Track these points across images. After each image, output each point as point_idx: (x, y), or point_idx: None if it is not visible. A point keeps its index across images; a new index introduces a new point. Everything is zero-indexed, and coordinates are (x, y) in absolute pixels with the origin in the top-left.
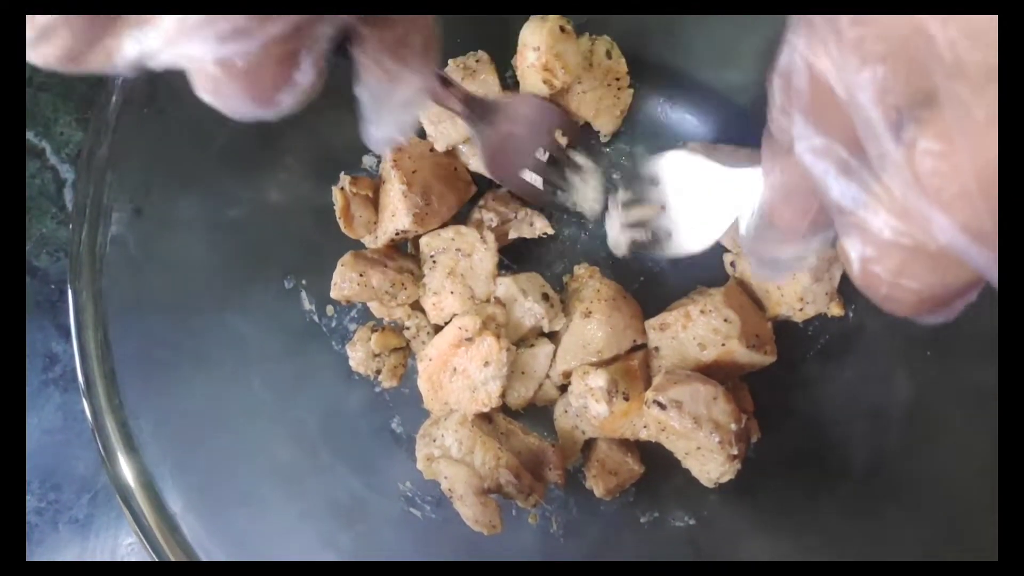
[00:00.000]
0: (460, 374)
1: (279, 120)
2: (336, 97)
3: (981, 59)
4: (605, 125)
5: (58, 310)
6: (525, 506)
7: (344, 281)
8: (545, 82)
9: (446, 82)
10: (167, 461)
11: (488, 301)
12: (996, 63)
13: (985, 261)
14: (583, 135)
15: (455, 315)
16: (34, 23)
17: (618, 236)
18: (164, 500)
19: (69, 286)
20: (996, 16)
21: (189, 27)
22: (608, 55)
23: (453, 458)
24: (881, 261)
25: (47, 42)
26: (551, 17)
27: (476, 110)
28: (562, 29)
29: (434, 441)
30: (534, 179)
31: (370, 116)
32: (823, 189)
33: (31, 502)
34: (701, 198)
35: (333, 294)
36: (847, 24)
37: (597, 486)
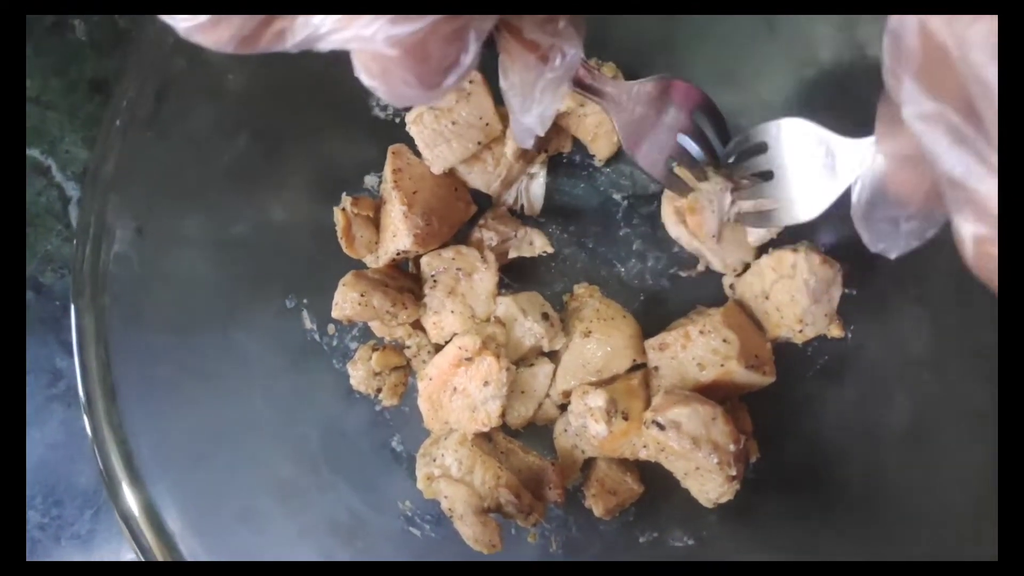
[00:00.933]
0: (460, 393)
1: (282, 138)
2: (338, 117)
3: None
4: (601, 150)
5: (62, 326)
6: (525, 525)
7: (345, 301)
8: None
9: (588, 66)
10: (167, 478)
11: (488, 320)
12: None
13: None
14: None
15: (455, 334)
16: None
17: (723, 205)
18: (163, 518)
19: (72, 303)
20: None
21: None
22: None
23: (453, 477)
24: (996, 241)
25: (219, 24)
26: None
27: (615, 94)
28: None
29: (434, 460)
30: (680, 169)
31: (516, 106)
32: (934, 159)
33: (34, 517)
34: (812, 166)
35: (334, 314)
36: None
37: (596, 506)
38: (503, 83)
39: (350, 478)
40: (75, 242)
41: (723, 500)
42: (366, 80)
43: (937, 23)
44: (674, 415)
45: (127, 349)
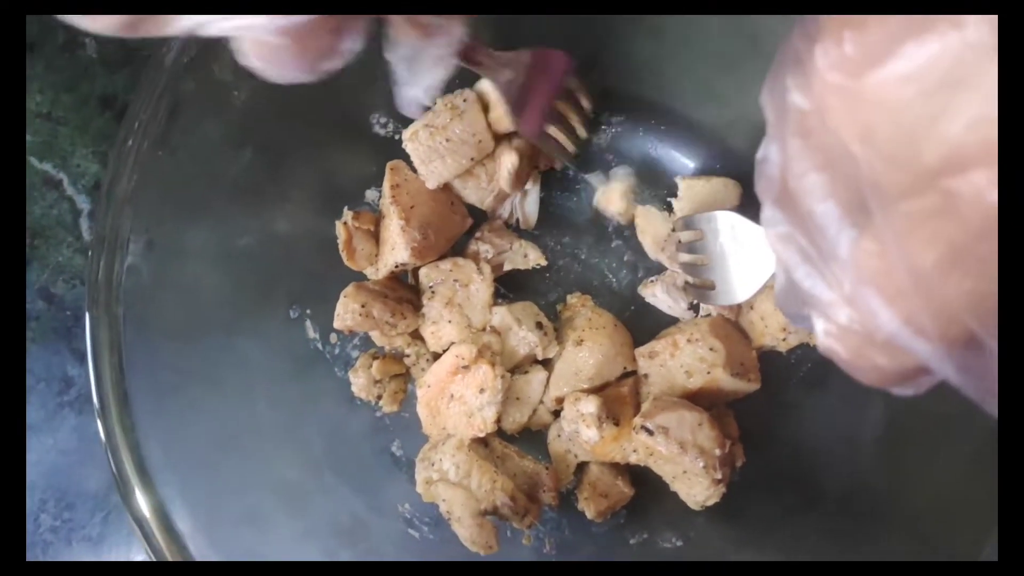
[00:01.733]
0: (457, 400)
1: (286, 154)
2: (340, 134)
3: (897, 180)
4: None
5: (73, 335)
6: (520, 527)
7: (347, 312)
8: None
9: (472, 38)
10: (177, 480)
11: (484, 330)
12: (911, 182)
13: (927, 353)
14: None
15: (452, 343)
16: None
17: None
18: (173, 520)
19: (87, 312)
20: (911, 138)
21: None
22: None
23: (451, 481)
24: (840, 339)
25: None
26: None
27: (496, 65)
28: None
29: (432, 465)
30: (556, 133)
31: (401, 77)
32: (788, 271)
33: (46, 520)
34: (743, 253)
35: (336, 324)
36: (790, 135)
37: (589, 508)
38: (390, 55)
39: (352, 481)
40: (89, 254)
41: (710, 503)
42: (250, 63)
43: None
44: (662, 421)
45: (139, 357)
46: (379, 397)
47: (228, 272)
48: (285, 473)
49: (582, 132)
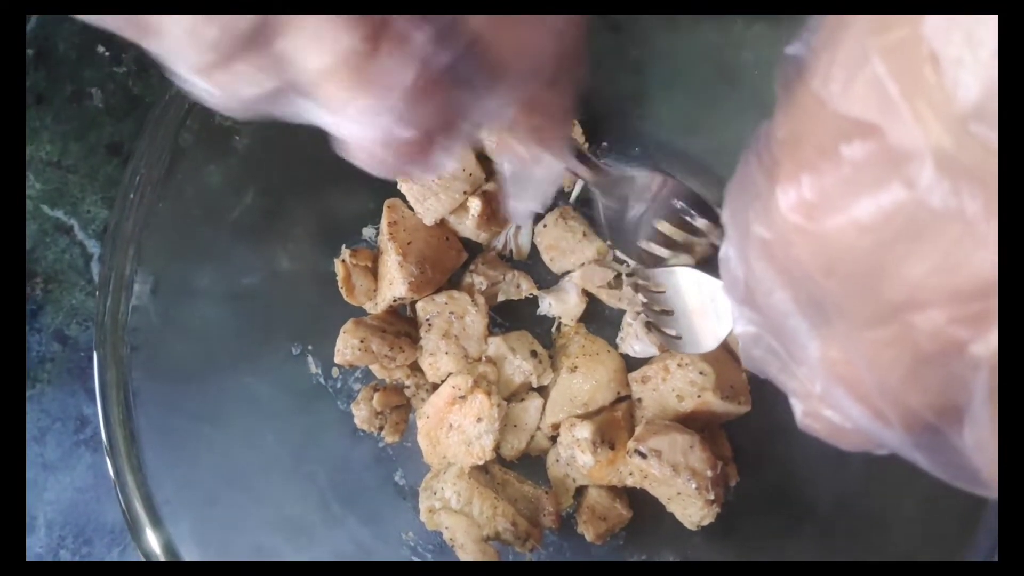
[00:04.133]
0: (456, 430)
1: (287, 195)
2: (337, 174)
3: (859, 310)
4: None
5: (87, 375)
6: (522, 551)
7: (347, 347)
8: None
9: (582, 157)
10: (186, 517)
11: (480, 360)
12: (873, 313)
13: (894, 441)
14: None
15: (450, 374)
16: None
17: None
18: (182, 556)
19: (95, 352)
20: (872, 278)
21: (356, 111)
22: None
23: (453, 509)
24: (817, 422)
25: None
26: None
27: (604, 182)
28: None
29: (435, 494)
30: (651, 247)
31: (511, 191)
32: (761, 368)
33: (65, 556)
34: (704, 308)
35: (337, 360)
36: (754, 257)
37: (588, 531)
38: (497, 166)
39: (357, 512)
40: (97, 295)
41: (705, 522)
42: (348, 156)
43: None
44: (654, 444)
45: (146, 395)
46: (381, 428)
47: (232, 311)
48: (291, 507)
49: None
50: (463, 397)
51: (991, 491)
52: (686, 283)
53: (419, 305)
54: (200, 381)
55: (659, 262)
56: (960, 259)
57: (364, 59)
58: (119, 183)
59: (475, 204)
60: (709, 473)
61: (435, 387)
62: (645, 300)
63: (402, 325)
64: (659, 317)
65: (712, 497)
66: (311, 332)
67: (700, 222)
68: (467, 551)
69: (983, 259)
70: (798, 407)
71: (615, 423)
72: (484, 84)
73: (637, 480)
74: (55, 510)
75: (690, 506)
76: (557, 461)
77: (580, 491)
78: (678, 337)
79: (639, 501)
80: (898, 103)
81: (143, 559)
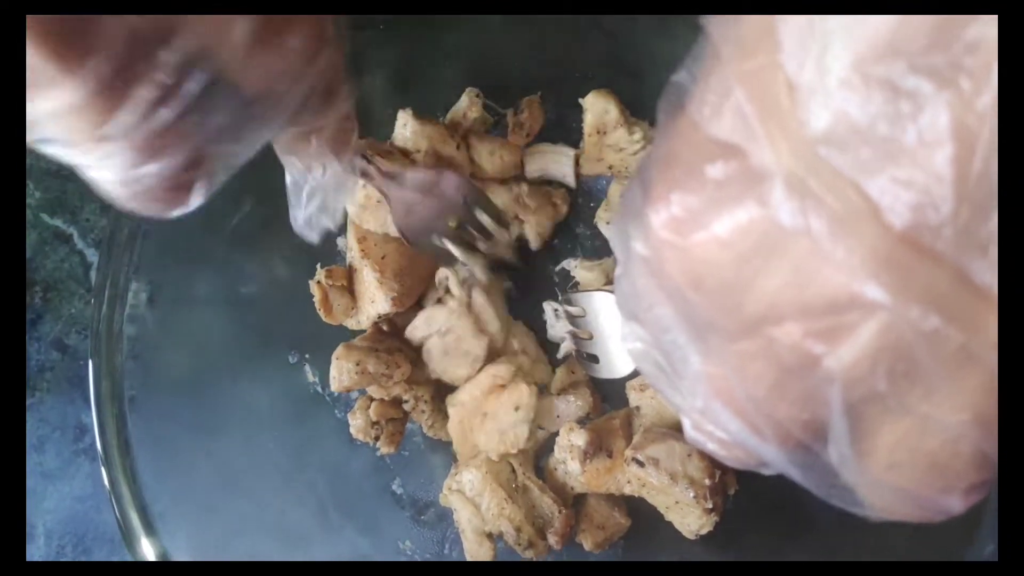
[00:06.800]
0: (491, 418)
1: (282, 205)
2: None
3: (725, 324)
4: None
5: (86, 384)
6: (523, 556)
7: (342, 374)
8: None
9: (366, 160)
10: (182, 526)
11: (488, 351)
12: (738, 327)
13: (771, 456)
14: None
15: (484, 367)
16: None
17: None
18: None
19: (90, 361)
20: (734, 291)
21: (100, 156)
22: None
23: (465, 495)
24: (703, 436)
25: None
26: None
27: (395, 183)
28: None
29: (456, 474)
30: (445, 243)
31: (294, 202)
32: (649, 381)
33: None
34: (618, 332)
35: (334, 387)
36: (637, 274)
37: (587, 540)
38: (288, 182)
39: (355, 520)
40: (92, 303)
41: (703, 531)
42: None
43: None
44: (652, 452)
45: (144, 404)
46: (377, 438)
47: (229, 319)
48: (288, 516)
49: (484, 246)
50: (503, 386)
51: (870, 511)
52: (603, 306)
53: (407, 335)
54: (197, 390)
55: (453, 259)
56: (809, 274)
57: (91, 109)
58: None
59: None
60: (707, 482)
61: (435, 400)
62: (567, 326)
63: (391, 341)
64: (580, 341)
65: (710, 506)
66: (308, 341)
67: (485, 219)
68: (467, 539)
69: (828, 276)
70: (686, 422)
71: (613, 431)
72: (238, 115)
73: (635, 488)
74: (54, 519)
75: (688, 515)
76: (556, 469)
77: (578, 499)
78: (596, 361)
79: (638, 510)
80: (754, 127)
81: None
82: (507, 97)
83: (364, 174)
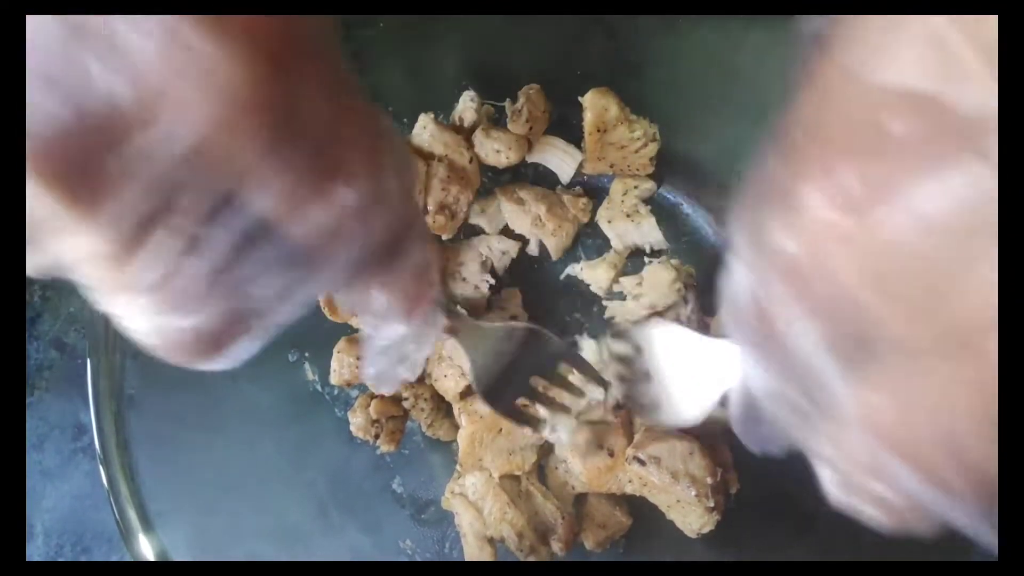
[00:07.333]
0: (504, 435)
1: None
2: None
3: (919, 335)
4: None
5: (85, 383)
6: (524, 560)
7: (342, 367)
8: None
9: (450, 314)
10: (181, 525)
11: None
12: (937, 337)
13: (967, 520)
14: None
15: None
16: None
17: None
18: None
19: (88, 359)
20: (936, 289)
21: (125, 306)
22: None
23: (468, 499)
24: (855, 494)
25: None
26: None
27: (473, 338)
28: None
29: (459, 478)
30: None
31: (369, 358)
32: (788, 432)
33: None
34: (687, 371)
35: (333, 380)
36: (775, 280)
37: (588, 539)
38: (363, 342)
39: (355, 519)
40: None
41: (705, 530)
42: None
43: (768, 305)
44: (653, 451)
45: (143, 402)
46: (377, 436)
47: None
48: (288, 515)
49: (575, 407)
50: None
51: None
52: (666, 342)
53: None
54: (197, 388)
55: (536, 423)
56: None
57: (112, 258)
58: None
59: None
60: (709, 480)
61: (434, 399)
62: (620, 368)
63: None
64: (633, 385)
65: (712, 505)
66: (307, 339)
67: (575, 378)
68: (468, 543)
69: None
70: (826, 476)
71: (614, 430)
72: (283, 269)
73: (636, 488)
74: (53, 518)
75: (690, 514)
76: (556, 468)
77: (579, 498)
78: (656, 406)
79: (639, 508)
80: (967, 61)
81: None
82: (508, 95)
83: (450, 331)
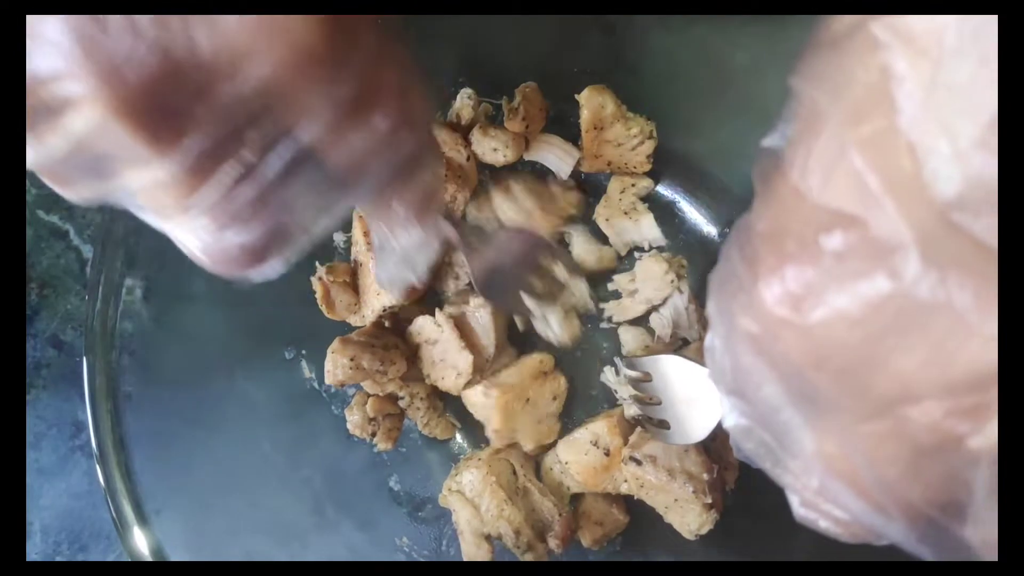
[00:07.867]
0: (531, 404)
1: None
2: None
3: (852, 405)
4: None
5: (83, 381)
6: (522, 559)
7: (337, 367)
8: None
9: (451, 222)
10: (178, 523)
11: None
12: (867, 408)
13: (900, 537)
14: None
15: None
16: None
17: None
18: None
19: (84, 357)
20: (863, 371)
21: (183, 226)
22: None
23: (465, 496)
24: (815, 514)
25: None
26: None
27: (473, 243)
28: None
29: (457, 475)
30: (525, 299)
31: (380, 260)
32: (754, 461)
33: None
34: (692, 396)
35: (328, 380)
36: (742, 352)
37: (584, 536)
38: (372, 245)
39: (351, 517)
40: (87, 299)
41: (704, 530)
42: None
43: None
44: (648, 450)
45: (140, 400)
46: (373, 435)
47: (225, 315)
48: (285, 512)
49: (550, 299)
50: (546, 373)
51: None
52: (673, 371)
53: (409, 333)
54: (193, 386)
55: (529, 312)
56: (952, 351)
57: (178, 185)
58: None
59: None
60: (705, 476)
61: (431, 397)
62: (634, 390)
63: (389, 337)
64: (647, 407)
65: (710, 500)
66: (304, 337)
67: (560, 272)
68: (465, 540)
69: (976, 350)
70: (795, 499)
71: (611, 429)
72: (322, 189)
73: (633, 488)
74: (51, 515)
75: (688, 513)
76: (552, 468)
77: (577, 496)
78: (667, 427)
79: (636, 507)
80: (879, 195)
81: None
82: (505, 93)
83: (448, 238)
